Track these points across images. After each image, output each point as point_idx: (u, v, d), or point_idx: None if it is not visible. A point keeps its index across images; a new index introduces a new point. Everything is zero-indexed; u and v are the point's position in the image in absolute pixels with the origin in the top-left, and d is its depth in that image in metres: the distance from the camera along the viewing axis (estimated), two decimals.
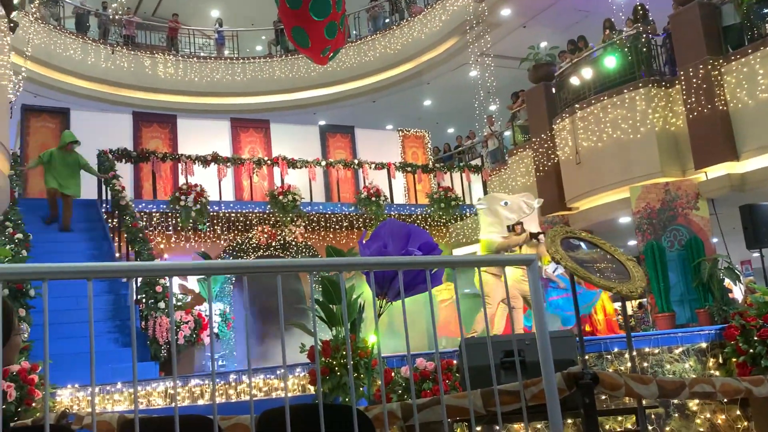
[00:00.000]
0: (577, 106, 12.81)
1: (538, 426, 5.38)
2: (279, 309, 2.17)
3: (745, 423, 5.20)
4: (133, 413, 3.86)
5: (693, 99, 11.10)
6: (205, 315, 9.27)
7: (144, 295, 9.03)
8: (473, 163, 16.95)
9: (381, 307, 4.83)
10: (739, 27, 11.09)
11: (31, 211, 11.05)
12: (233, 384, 6.43)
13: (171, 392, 6.64)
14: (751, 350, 5.02)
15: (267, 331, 9.86)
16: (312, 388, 5.79)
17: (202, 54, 20.80)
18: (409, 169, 15.57)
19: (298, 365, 6.50)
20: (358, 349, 5.47)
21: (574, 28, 15.78)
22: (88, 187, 12.84)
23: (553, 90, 13.99)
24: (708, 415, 5.22)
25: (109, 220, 11.91)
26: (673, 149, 11.67)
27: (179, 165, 13.42)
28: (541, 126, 14.08)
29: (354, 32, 20.34)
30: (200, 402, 6.50)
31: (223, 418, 3.08)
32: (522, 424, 5.43)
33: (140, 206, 12.33)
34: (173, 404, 6.46)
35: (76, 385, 7.29)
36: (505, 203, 8.68)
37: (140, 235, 10.53)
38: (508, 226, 8.55)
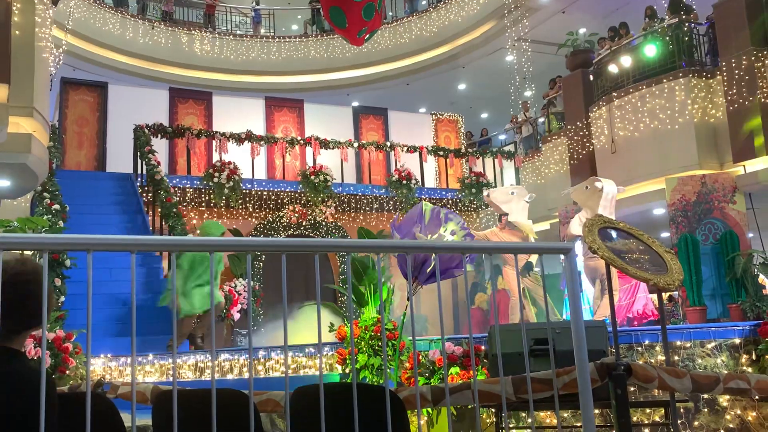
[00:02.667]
0: (614, 94, 12.62)
1: (565, 415, 5.37)
2: (316, 288, 2.19)
3: None
4: (166, 384, 3.93)
5: (734, 90, 10.87)
6: (236, 291, 9.37)
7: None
8: (506, 149, 16.83)
9: (413, 291, 4.84)
10: None
11: (69, 183, 11.22)
12: (262, 360, 6.50)
13: (201, 366, 6.74)
14: None
15: (292, 309, 9.95)
16: (339, 367, 5.84)
17: (238, 32, 20.86)
18: (441, 153, 15.50)
19: (326, 344, 6.55)
20: (386, 331, 5.50)
21: (614, 15, 15.53)
22: (124, 161, 13.03)
23: (591, 77, 13.79)
24: (738, 412, 5.17)
25: (144, 194, 12.06)
26: (711, 141, 11.46)
27: (213, 142, 13.53)
28: (576, 113, 13.91)
29: (390, 14, 20.24)
30: (229, 376, 6.59)
31: (255, 393, 3.12)
32: (547, 412, 5.43)
33: (174, 181, 12.46)
34: (204, 377, 6.56)
35: (109, 355, 7.44)
36: (513, 193, 9.24)
37: (174, 210, 10.66)
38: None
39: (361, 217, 14.66)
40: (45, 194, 9.88)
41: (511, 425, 5.45)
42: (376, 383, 5.44)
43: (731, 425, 5.16)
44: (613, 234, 3.55)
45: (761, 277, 10.51)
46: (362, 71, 20.12)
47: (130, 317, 8.58)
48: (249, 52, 19.97)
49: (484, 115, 21.99)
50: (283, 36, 20.70)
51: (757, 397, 4.94)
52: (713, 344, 5.33)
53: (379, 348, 5.60)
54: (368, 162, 14.91)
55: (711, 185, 11.09)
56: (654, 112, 11.88)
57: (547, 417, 5.49)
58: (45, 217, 8.87)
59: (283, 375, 2.28)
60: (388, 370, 5.42)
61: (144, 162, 12.11)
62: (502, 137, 18.85)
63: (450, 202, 14.92)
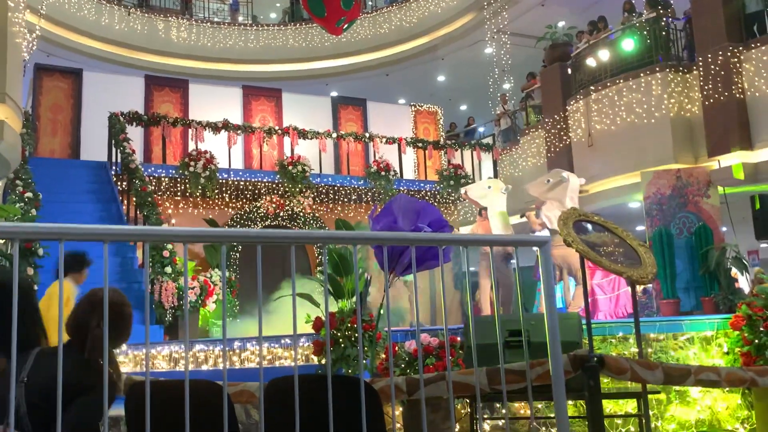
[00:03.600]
0: (592, 88, 12.70)
1: (539, 406, 5.41)
2: (292, 279, 2.18)
3: (746, 412, 5.22)
4: (141, 375, 3.90)
5: (710, 86, 10.99)
6: (211, 282, 9.32)
7: (150, 260, 9.07)
8: (485, 141, 16.88)
9: (390, 282, 4.84)
10: (762, 14, 10.94)
11: (42, 171, 11.07)
12: (237, 351, 6.48)
13: (175, 356, 6.70)
14: (756, 340, 5.02)
15: (268, 300, 9.90)
16: (315, 358, 5.83)
17: (215, 19, 20.65)
18: (420, 144, 15.51)
19: (303, 335, 6.54)
20: (363, 322, 5.51)
21: (593, 9, 15.59)
22: (98, 149, 12.88)
23: (569, 71, 13.86)
24: (709, 403, 5.24)
25: (119, 183, 11.93)
26: (687, 136, 11.58)
27: (189, 131, 13.41)
28: (554, 107, 13.98)
29: (370, 3, 20.17)
30: (204, 367, 6.56)
31: (230, 384, 3.11)
32: (522, 403, 5.47)
33: (149, 170, 12.34)
34: (178, 368, 6.52)
35: None
36: (489, 187, 9.26)
37: (149, 199, 10.57)
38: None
39: (339, 209, 14.64)
40: (18, 182, 9.75)
41: (485, 416, 5.49)
42: (352, 374, 5.45)
43: (702, 416, 5.24)
44: (588, 227, 3.58)
45: (734, 271, 10.65)
46: (341, 61, 20.03)
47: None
48: (226, 39, 19.79)
49: (463, 107, 22.01)
50: (262, 24, 20.55)
51: (727, 389, 5.02)
52: (686, 337, 5.40)
53: (355, 339, 5.60)
54: (347, 153, 14.88)
55: (686, 179, 11.21)
56: (631, 106, 11.97)
57: (522, 408, 5.53)
58: (17, 205, 8.74)
59: (259, 366, 2.27)
60: (364, 361, 5.42)
61: (119, 150, 11.98)
62: (482, 129, 18.91)
63: (428, 194, 14.94)
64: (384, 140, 14.84)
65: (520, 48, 16.94)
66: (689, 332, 5.39)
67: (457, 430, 5.55)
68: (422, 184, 15.19)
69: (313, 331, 5.99)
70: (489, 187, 9.60)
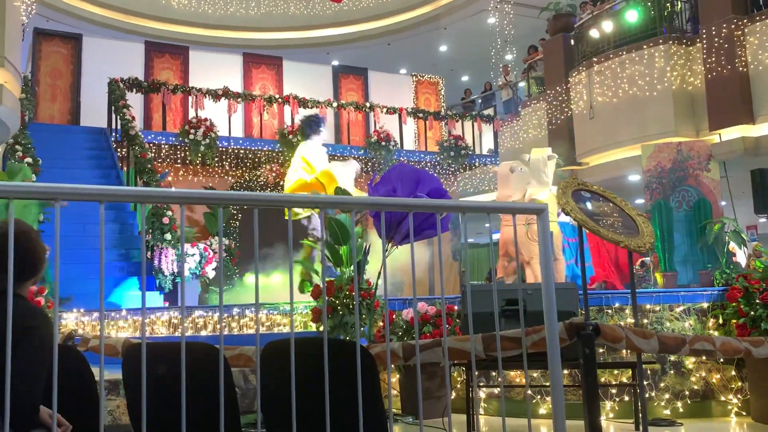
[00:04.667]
0: (594, 59, 12.62)
1: (534, 374, 5.46)
2: (288, 245, 2.18)
3: (740, 383, 5.26)
4: (138, 339, 3.92)
5: (713, 59, 10.91)
6: (211, 249, 9.34)
7: (150, 226, 9.09)
8: (486, 112, 16.80)
9: (387, 250, 4.85)
10: None
11: (41, 136, 11.03)
12: (236, 317, 6.52)
13: (174, 322, 6.74)
14: (752, 312, 5.04)
15: (268, 266, 9.93)
16: (314, 325, 5.87)
17: None
18: (420, 115, 15.43)
19: (301, 303, 6.57)
20: (361, 290, 5.53)
21: None
22: (98, 115, 12.82)
23: (572, 42, 13.75)
24: (703, 374, 5.28)
25: (118, 150, 11.90)
26: (688, 109, 11.53)
27: (189, 98, 13.33)
28: (556, 78, 13.89)
29: None
30: (203, 333, 6.61)
31: (227, 348, 3.13)
32: (517, 371, 5.51)
33: (149, 137, 12.30)
34: (177, 333, 6.56)
35: (82, 310, 7.41)
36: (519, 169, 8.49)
37: (149, 166, 10.54)
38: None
39: None
40: (17, 147, 9.72)
41: (481, 384, 5.54)
42: (350, 340, 5.49)
43: (696, 387, 5.28)
44: (587, 196, 3.58)
45: (731, 245, 10.67)
46: (343, 29, 19.86)
47: (105, 272, 8.53)
48: (227, 6, 19.60)
49: (465, 78, 21.88)
50: None
51: (721, 360, 5.06)
52: (682, 308, 5.42)
53: (353, 306, 5.63)
54: (347, 122, 14.81)
55: (686, 153, 11.18)
56: (633, 79, 11.90)
57: (517, 376, 5.58)
58: None
59: (258, 329, 2.28)
60: (362, 329, 5.45)
61: (119, 117, 11.92)
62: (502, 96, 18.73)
63: (428, 164, 14.91)
64: (385, 110, 14.77)
65: (523, 18, 16.78)
66: (685, 304, 5.42)
67: (452, 397, 5.61)
68: (422, 155, 15.15)
69: (311, 299, 6.02)
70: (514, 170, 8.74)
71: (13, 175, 7.56)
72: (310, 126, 7.62)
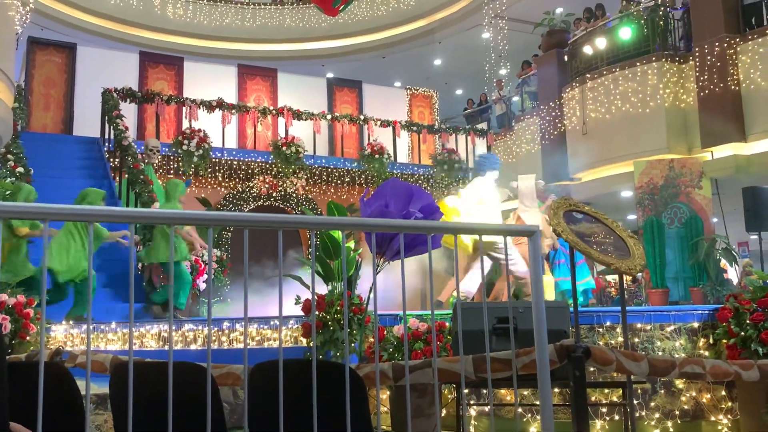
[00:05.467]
0: (588, 75, 12.68)
1: (525, 393, 5.44)
2: (279, 263, 2.17)
3: (730, 404, 5.26)
4: (127, 354, 3.89)
5: (705, 76, 10.98)
6: (202, 260, 9.31)
7: (142, 237, 9.05)
8: (479, 126, 16.85)
9: (379, 266, 4.84)
10: (760, 6, 10.92)
11: (34, 145, 11.00)
12: (226, 331, 6.48)
13: (164, 335, 6.70)
14: (743, 333, 5.04)
15: (261, 282, 9.90)
16: (304, 340, 5.84)
17: None
18: (414, 128, 15.47)
19: (292, 317, 6.54)
20: (352, 305, 5.51)
21: None
22: (91, 125, 12.80)
23: (566, 58, 13.82)
24: (693, 394, 5.28)
25: (111, 160, 11.87)
26: (681, 126, 11.59)
27: (183, 108, 13.33)
28: (550, 94, 13.95)
29: None
30: (193, 347, 6.57)
31: (215, 366, 3.11)
32: (508, 389, 5.50)
33: (142, 147, 12.27)
34: (167, 347, 6.52)
35: (71, 322, 7.36)
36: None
37: (141, 176, 10.51)
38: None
39: (332, 190, 14.61)
40: (9, 156, 9.69)
41: (471, 402, 5.52)
42: (340, 357, 5.46)
43: (686, 407, 5.28)
44: (579, 217, 3.58)
45: (723, 262, 10.72)
46: (338, 42, 19.92)
47: (94, 284, 8.49)
48: (223, 17, 19.64)
49: (459, 92, 21.95)
50: (258, 2, 20.39)
51: (711, 381, 5.05)
52: (672, 327, 5.42)
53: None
54: (341, 135, 14.84)
55: (678, 170, 11.23)
56: (626, 95, 11.96)
57: (508, 394, 5.57)
58: (8, 180, 8.69)
59: (247, 347, 2.27)
60: (352, 345, 5.43)
61: (112, 127, 11.90)
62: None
63: (422, 177, 14.93)
64: (379, 123, 14.79)
65: (517, 33, 16.87)
66: (676, 323, 5.42)
67: (443, 414, 5.58)
68: (416, 168, 15.17)
69: (302, 313, 6.00)
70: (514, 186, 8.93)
71: (14, 195, 7.66)
72: (487, 162, 7.66)
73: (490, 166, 7.49)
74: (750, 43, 10.69)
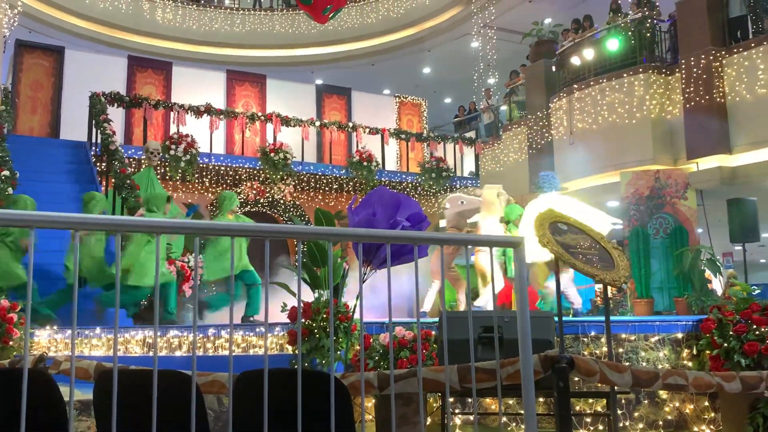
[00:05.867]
0: (575, 86, 12.75)
1: (510, 402, 5.46)
2: (265, 272, 2.18)
3: (713, 414, 5.30)
4: (111, 361, 3.87)
5: (692, 89, 11.08)
6: (188, 266, 9.28)
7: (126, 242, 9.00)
8: (468, 135, 16.91)
9: (366, 275, 4.84)
10: (745, 19, 11.04)
11: (20, 149, 10.93)
12: (212, 338, 6.46)
13: (149, 341, 6.67)
14: (726, 344, 5.08)
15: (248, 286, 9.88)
16: (290, 347, 5.83)
17: (201, 1, 20.48)
18: (403, 136, 15.50)
19: (278, 324, 6.53)
20: (338, 313, 5.51)
21: (580, 7, 15.64)
22: (78, 128, 12.75)
23: (553, 68, 13.91)
24: (677, 404, 5.32)
25: (98, 164, 11.82)
26: (667, 137, 11.68)
27: (171, 113, 13.31)
28: (538, 103, 14.03)
29: None
30: (177, 353, 6.54)
31: (201, 374, 3.10)
32: (493, 398, 5.51)
33: (129, 152, 12.25)
34: (151, 353, 6.49)
35: (55, 327, 7.31)
36: (462, 202, 9.17)
37: (128, 181, 10.46)
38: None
39: (320, 197, 14.61)
40: None
41: (456, 411, 5.53)
42: (326, 365, 5.46)
43: (669, 417, 5.31)
44: (564, 228, 3.60)
45: (707, 273, 10.78)
46: (327, 49, 19.93)
47: (79, 289, 8.44)
48: (212, 22, 19.61)
49: (448, 100, 22.03)
50: (248, 8, 20.39)
51: (694, 393, 5.09)
52: (657, 338, 5.46)
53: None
54: (329, 142, 14.85)
55: (664, 180, 11.31)
56: (613, 106, 12.04)
57: (493, 403, 5.58)
58: None
59: (232, 353, 2.27)
60: (338, 353, 5.43)
61: (99, 131, 11.85)
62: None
63: (410, 185, 14.96)
64: (367, 130, 14.82)
65: (506, 43, 16.97)
66: (660, 334, 5.46)
67: (428, 423, 5.59)
68: (404, 176, 15.20)
69: (288, 321, 5.99)
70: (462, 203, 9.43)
71: (14, 206, 7.78)
72: (550, 181, 8.13)
73: (555, 186, 8.12)
74: (735, 56, 10.80)
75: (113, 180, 10.80)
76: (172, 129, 13.15)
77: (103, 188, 11.21)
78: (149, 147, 10.15)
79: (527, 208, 7.96)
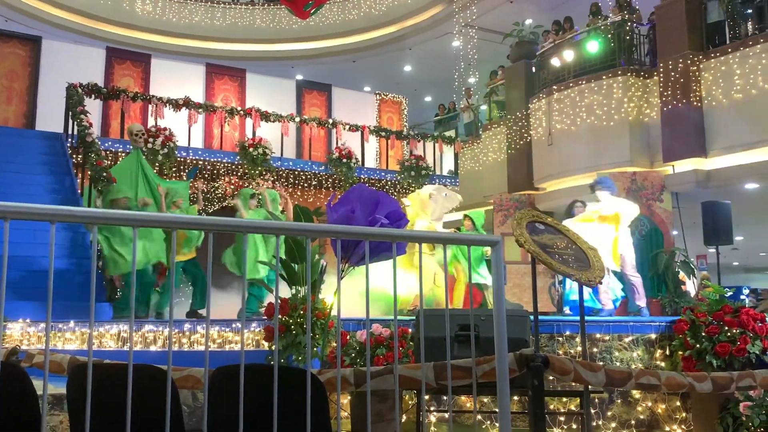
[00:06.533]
0: (554, 87, 12.84)
1: (485, 400, 5.49)
2: (243, 267, 2.17)
3: (684, 414, 5.37)
4: (85, 355, 3.84)
5: (669, 92, 11.20)
6: (165, 262, 9.21)
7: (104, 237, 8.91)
8: (447, 134, 16.95)
9: (344, 272, 4.85)
10: (723, 25, 11.17)
11: None
12: (187, 333, 6.42)
13: (124, 335, 6.61)
14: (698, 345, 5.15)
15: (224, 283, 9.81)
16: (266, 344, 5.81)
17: None
18: (383, 133, 15.49)
19: (254, 320, 6.51)
20: (315, 309, 5.50)
21: (560, 9, 15.73)
22: (54, 120, 12.59)
23: (533, 69, 13.99)
24: (649, 404, 5.38)
25: (74, 156, 11.67)
26: (644, 140, 11.80)
27: (149, 106, 13.17)
28: (517, 104, 14.10)
29: None
30: (153, 348, 6.49)
31: (176, 369, 3.08)
32: (467, 396, 5.54)
33: (106, 144, 12.10)
34: (126, 348, 6.44)
35: (28, 320, 7.22)
36: (446, 195, 9.43)
37: (104, 174, 10.35)
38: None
39: (299, 193, 14.56)
40: None
41: (432, 408, 5.55)
42: (302, 361, 5.45)
43: (642, 416, 5.37)
44: (541, 228, 3.63)
45: (681, 274, 10.91)
46: (308, 45, 19.88)
47: (53, 282, 8.34)
48: (192, 15, 19.46)
49: (428, 99, 22.06)
50: (229, 2, 20.26)
51: (666, 392, 5.15)
52: (630, 338, 5.52)
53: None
54: (309, 138, 14.79)
55: (641, 182, 11.43)
56: (591, 108, 12.14)
57: (468, 401, 5.61)
58: None
59: (208, 349, 2.26)
60: (315, 349, 5.42)
61: (75, 122, 11.70)
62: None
63: (389, 183, 14.95)
64: (347, 127, 14.79)
65: (486, 43, 17.02)
66: (634, 334, 5.52)
67: (403, 420, 5.60)
68: (383, 174, 15.19)
69: (265, 317, 5.97)
70: (446, 195, 9.78)
71: None
72: (607, 184, 8.41)
73: (612, 189, 8.41)
74: (713, 60, 10.93)
75: (89, 172, 10.69)
76: (150, 122, 13.01)
77: (78, 181, 11.08)
78: (133, 129, 10.10)
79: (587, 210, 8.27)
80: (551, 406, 5.34)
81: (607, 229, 7.64)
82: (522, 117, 13.86)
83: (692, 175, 11.04)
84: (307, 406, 2.09)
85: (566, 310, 8.41)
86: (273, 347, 5.67)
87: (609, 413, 5.35)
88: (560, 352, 5.39)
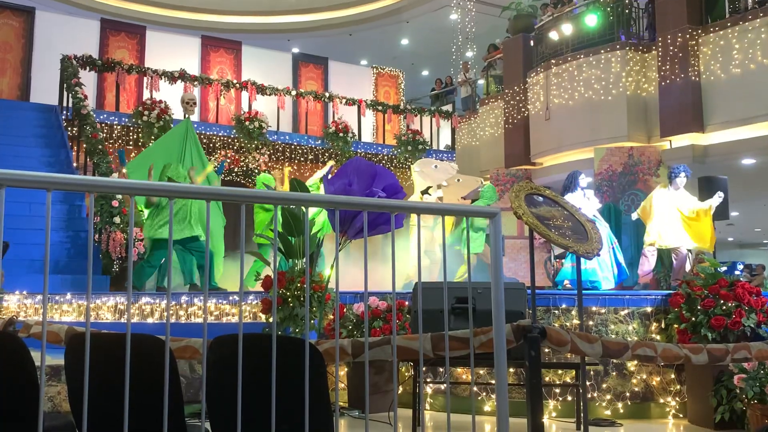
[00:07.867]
0: (552, 61, 12.75)
1: (481, 372, 5.53)
2: (241, 238, 2.16)
3: (678, 386, 5.41)
4: (82, 325, 3.84)
5: (667, 66, 11.14)
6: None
7: (99, 209, 8.90)
8: (444, 108, 16.88)
9: (341, 245, 4.84)
10: None
11: None
12: (184, 306, 6.44)
13: (121, 308, 6.63)
14: (693, 318, 5.18)
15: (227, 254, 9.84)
16: (263, 316, 5.83)
17: None
18: (380, 108, 15.43)
19: (251, 293, 6.52)
20: (312, 282, 5.51)
21: None
22: (49, 92, 12.50)
23: (531, 43, 13.88)
24: (644, 376, 5.42)
25: (69, 129, 11.62)
26: (641, 115, 11.76)
27: (145, 79, 13.08)
28: (515, 78, 14.02)
29: None
30: (150, 320, 6.51)
31: (174, 339, 3.09)
32: (465, 368, 5.57)
33: (101, 117, 12.04)
34: (123, 320, 6.45)
35: (24, 292, 7.23)
36: (435, 167, 9.56)
37: (99, 146, 10.31)
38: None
39: (295, 167, 14.52)
40: None
41: (428, 380, 5.58)
42: (299, 334, 5.47)
43: (636, 389, 5.41)
44: (540, 200, 3.63)
45: None
46: (304, 17, 19.69)
47: (50, 254, 8.34)
48: None
49: (425, 73, 21.92)
50: None
51: (662, 364, 5.19)
52: (626, 311, 5.54)
53: (305, 299, 5.61)
54: (305, 111, 14.73)
55: (637, 157, 11.41)
56: (589, 82, 12.07)
57: (464, 373, 5.64)
58: None
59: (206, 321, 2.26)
60: (312, 322, 5.44)
61: (70, 95, 11.63)
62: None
63: (386, 157, 14.92)
64: (344, 101, 14.72)
65: (484, 16, 16.88)
66: (630, 307, 5.54)
67: (399, 392, 5.64)
68: (380, 148, 15.15)
69: (262, 289, 5.98)
70: (435, 167, 10.07)
71: None
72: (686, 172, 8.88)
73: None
74: (711, 35, 10.87)
75: (84, 145, 10.64)
76: (145, 95, 12.94)
77: (74, 153, 11.04)
78: (185, 98, 10.15)
79: (655, 196, 8.63)
80: (547, 379, 5.38)
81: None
82: (520, 91, 13.79)
83: (689, 150, 11.02)
84: (305, 374, 2.09)
85: (566, 283, 8.44)
86: (270, 319, 5.69)
87: (604, 385, 5.39)
88: (556, 324, 5.41)
